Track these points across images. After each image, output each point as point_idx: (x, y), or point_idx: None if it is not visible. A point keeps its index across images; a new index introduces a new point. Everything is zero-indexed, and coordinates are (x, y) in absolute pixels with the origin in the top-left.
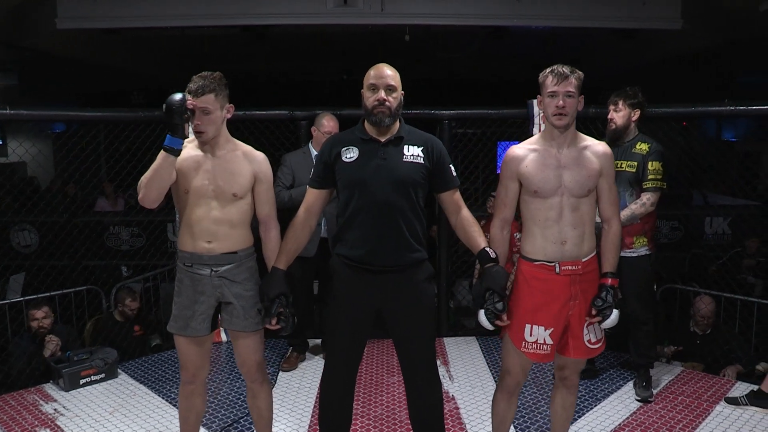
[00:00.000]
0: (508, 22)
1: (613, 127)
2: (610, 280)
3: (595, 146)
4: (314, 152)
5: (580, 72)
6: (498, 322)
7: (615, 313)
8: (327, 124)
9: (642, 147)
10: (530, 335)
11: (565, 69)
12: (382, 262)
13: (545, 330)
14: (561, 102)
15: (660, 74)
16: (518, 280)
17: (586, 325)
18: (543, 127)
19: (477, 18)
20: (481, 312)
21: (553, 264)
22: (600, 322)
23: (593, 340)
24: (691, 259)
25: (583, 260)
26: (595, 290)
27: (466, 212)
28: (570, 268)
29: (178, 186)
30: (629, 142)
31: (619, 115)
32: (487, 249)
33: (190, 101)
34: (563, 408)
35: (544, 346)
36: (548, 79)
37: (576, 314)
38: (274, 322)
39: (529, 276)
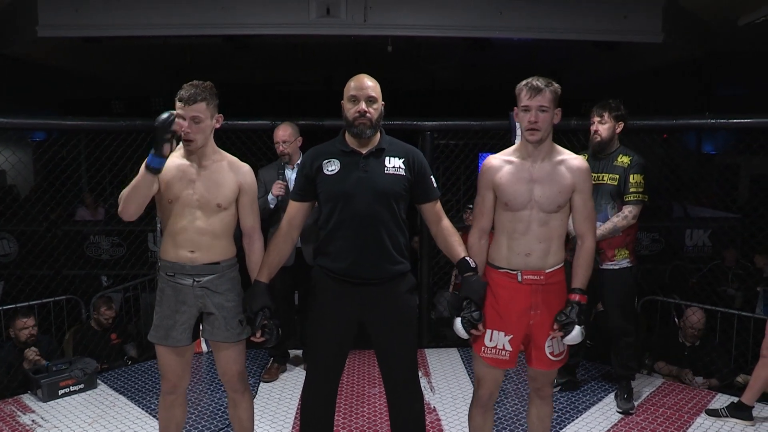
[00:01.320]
0: (490, 34)
1: (598, 139)
2: (577, 297)
3: (571, 161)
4: (282, 163)
5: (557, 85)
6: (473, 331)
7: (577, 329)
8: (276, 134)
9: (623, 160)
10: (490, 341)
11: (540, 82)
12: (365, 275)
13: (505, 336)
14: (533, 117)
15: (639, 86)
16: None
17: (550, 337)
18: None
19: (459, 30)
20: (458, 320)
21: (515, 272)
22: (562, 338)
23: (556, 352)
24: (672, 271)
25: (547, 271)
26: (558, 302)
27: (446, 222)
28: (532, 277)
29: (162, 196)
30: (611, 154)
31: (604, 127)
32: (467, 258)
33: (177, 126)
34: (539, 419)
35: (503, 352)
36: (522, 93)
37: (538, 324)
38: (258, 334)
39: (494, 283)
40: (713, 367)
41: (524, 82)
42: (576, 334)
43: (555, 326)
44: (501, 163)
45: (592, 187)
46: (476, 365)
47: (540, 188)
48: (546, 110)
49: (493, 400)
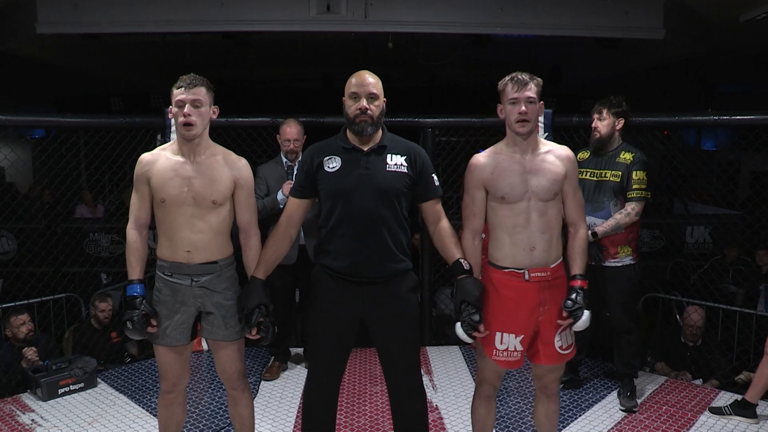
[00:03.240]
0: (491, 31)
1: (598, 136)
2: (579, 282)
3: (558, 150)
4: (285, 160)
5: (539, 78)
6: (475, 334)
7: (586, 314)
8: (284, 131)
9: (626, 156)
10: (501, 343)
11: (525, 76)
12: (366, 273)
13: (516, 337)
14: (523, 108)
15: (641, 83)
16: (487, 289)
17: (559, 331)
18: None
19: (461, 26)
20: (458, 325)
21: (522, 271)
22: (571, 324)
23: (564, 345)
24: (673, 268)
25: (551, 266)
26: (563, 295)
27: (444, 223)
28: (539, 274)
29: (155, 195)
30: (613, 151)
31: (603, 123)
32: (462, 260)
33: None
34: (547, 417)
35: (515, 353)
36: (508, 87)
37: (546, 321)
38: (254, 332)
39: (499, 284)
40: (715, 365)
41: (508, 77)
42: (585, 318)
43: (564, 314)
44: (489, 159)
45: (578, 176)
46: (482, 365)
47: (535, 178)
48: (533, 101)
49: (497, 390)
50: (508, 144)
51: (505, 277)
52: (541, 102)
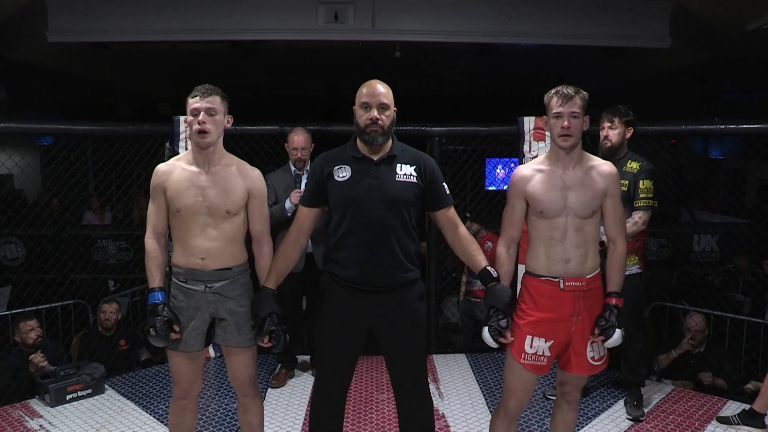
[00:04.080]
0: (498, 40)
1: (609, 144)
2: (614, 300)
3: (601, 166)
4: (293, 168)
5: (585, 92)
6: (501, 340)
7: (618, 332)
8: (291, 140)
9: (633, 165)
10: (530, 347)
11: (570, 90)
12: (375, 283)
13: (545, 342)
14: (566, 123)
15: (645, 91)
16: (523, 295)
17: (589, 342)
18: (533, 144)
19: (468, 35)
20: (485, 329)
21: (557, 280)
22: (603, 341)
23: (596, 357)
24: (680, 277)
25: (587, 277)
26: (598, 306)
27: (463, 230)
28: (574, 284)
29: (171, 205)
30: (620, 160)
31: (614, 132)
32: (489, 268)
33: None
34: (564, 424)
35: (542, 358)
36: (553, 100)
37: (579, 330)
38: (266, 340)
39: (535, 291)
40: (723, 374)
41: (554, 91)
42: (617, 337)
43: (596, 331)
44: (532, 172)
45: (620, 192)
46: (509, 375)
47: (574, 195)
48: (577, 116)
49: (521, 411)
50: (551, 158)
51: (541, 285)
52: (587, 116)
